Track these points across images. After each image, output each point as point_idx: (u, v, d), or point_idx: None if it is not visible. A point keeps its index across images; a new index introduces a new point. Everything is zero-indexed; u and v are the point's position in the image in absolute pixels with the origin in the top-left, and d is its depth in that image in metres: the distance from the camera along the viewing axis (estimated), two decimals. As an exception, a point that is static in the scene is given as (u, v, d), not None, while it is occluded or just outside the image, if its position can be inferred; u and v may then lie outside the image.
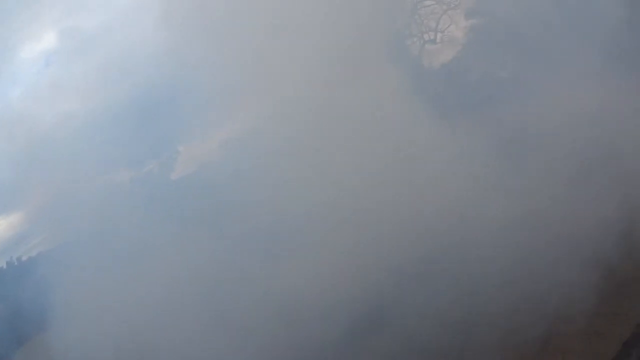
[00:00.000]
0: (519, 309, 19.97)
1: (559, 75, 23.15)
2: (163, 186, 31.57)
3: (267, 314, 21.31)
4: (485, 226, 20.32)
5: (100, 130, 29.49)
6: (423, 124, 23.87)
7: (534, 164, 21.36)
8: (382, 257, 21.65)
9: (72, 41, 29.01)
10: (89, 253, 25.17)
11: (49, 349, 24.17)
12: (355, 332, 20.54)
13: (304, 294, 20.86)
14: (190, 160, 33.34)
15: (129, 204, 27.91)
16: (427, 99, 25.24)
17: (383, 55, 28.69)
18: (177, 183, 32.31)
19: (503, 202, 20.54)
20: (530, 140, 22.08)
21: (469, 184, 21.31)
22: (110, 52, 29.16)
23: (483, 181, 21.22)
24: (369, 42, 28.49)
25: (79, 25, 29.14)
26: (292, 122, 28.56)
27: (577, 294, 19.52)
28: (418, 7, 32.09)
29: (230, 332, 21.52)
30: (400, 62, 30.69)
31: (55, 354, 23.85)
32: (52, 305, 24.34)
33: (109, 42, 29.19)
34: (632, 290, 19.51)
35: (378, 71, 27.92)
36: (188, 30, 30.79)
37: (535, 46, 25.10)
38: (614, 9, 22.92)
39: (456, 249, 20.54)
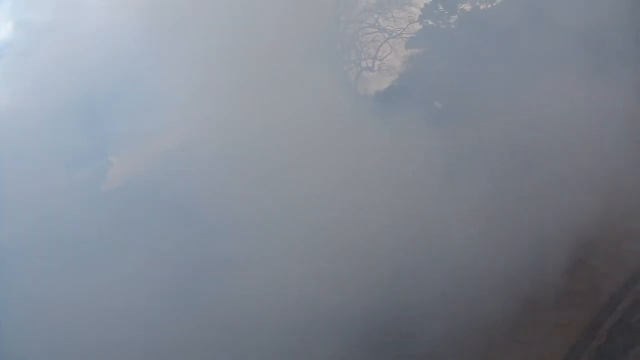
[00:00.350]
0: (459, 317, 20.80)
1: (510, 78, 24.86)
2: (96, 194, 30.83)
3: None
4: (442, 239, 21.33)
5: (39, 132, 28.93)
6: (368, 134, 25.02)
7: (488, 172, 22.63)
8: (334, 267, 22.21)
9: (25, 35, 28.37)
10: (26, 254, 24.42)
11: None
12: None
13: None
14: (123, 172, 32.70)
15: (64, 208, 27.39)
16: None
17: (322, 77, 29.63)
18: (110, 192, 31.54)
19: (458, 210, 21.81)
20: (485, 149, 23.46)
21: (430, 194, 22.37)
22: (60, 49, 28.64)
23: (446, 190, 22.45)
24: (308, 61, 29.41)
25: (33, 19, 28.60)
26: (228, 137, 28.96)
27: (517, 306, 20.84)
28: (360, 33, 32.85)
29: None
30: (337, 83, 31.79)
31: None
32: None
33: (59, 39, 28.64)
34: (571, 300, 20.76)
35: (316, 91, 28.85)
36: (134, 41, 30.76)
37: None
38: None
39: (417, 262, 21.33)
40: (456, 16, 29.79)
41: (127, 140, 31.48)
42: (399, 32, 31.84)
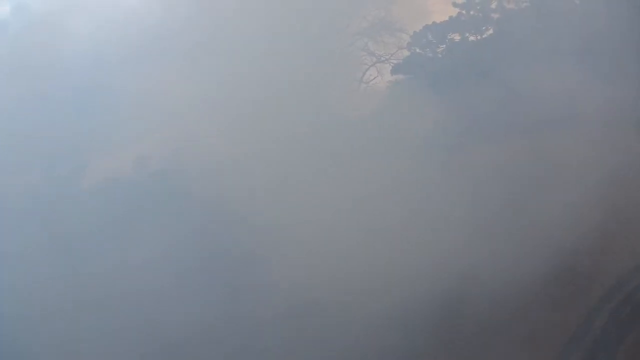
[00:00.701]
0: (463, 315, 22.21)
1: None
2: (72, 192, 30.44)
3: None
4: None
5: (20, 125, 28.95)
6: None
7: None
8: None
9: (23, 17, 28.39)
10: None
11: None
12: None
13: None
14: (99, 173, 32.21)
15: (43, 204, 27.58)
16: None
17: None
18: (82, 193, 31.07)
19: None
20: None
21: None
22: (51, 39, 28.89)
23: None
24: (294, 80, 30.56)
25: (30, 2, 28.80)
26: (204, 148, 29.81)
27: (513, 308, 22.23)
28: (349, 56, 33.95)
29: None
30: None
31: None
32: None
33: (52, 28, 28.90)
34: (562, 303, 22.24)
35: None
36: (129, 40, 31.14)
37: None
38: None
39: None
40: (444, 46, 31.54)
41: (110, 138, 31.47)
42: (387, 57, 33.35)
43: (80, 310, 23.66)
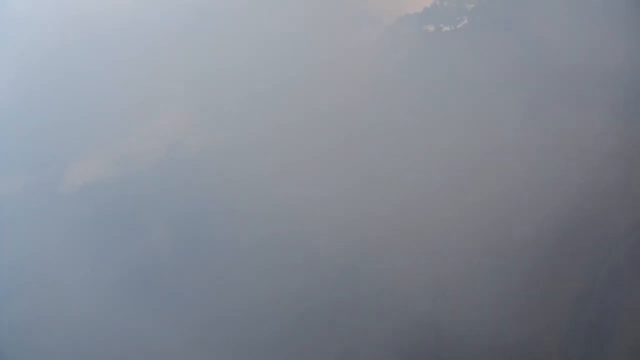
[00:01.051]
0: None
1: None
2: (51, 198, 30.31)
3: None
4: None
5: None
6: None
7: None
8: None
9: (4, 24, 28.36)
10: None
11: None
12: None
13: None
14: (80, 175, 31.97)
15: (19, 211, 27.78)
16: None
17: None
18: (66, 196, 30.92)
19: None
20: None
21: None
22: (30, 42, 28.77)
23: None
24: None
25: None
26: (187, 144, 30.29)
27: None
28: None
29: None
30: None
31: None
32: None
33: (30, 32, 28.81)
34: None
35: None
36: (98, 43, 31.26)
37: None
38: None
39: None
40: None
41: (87, 143, 31.47)
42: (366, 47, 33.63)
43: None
